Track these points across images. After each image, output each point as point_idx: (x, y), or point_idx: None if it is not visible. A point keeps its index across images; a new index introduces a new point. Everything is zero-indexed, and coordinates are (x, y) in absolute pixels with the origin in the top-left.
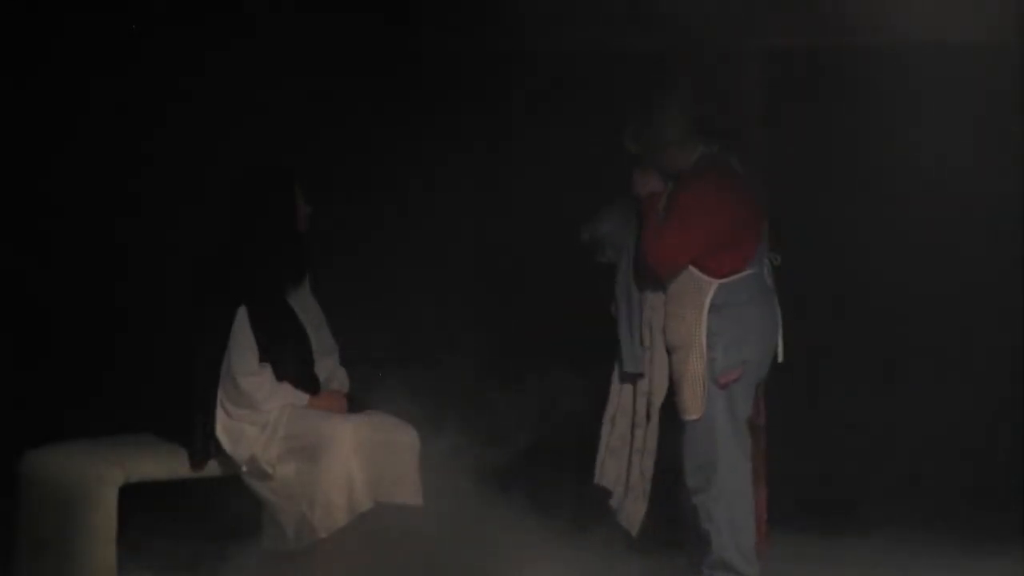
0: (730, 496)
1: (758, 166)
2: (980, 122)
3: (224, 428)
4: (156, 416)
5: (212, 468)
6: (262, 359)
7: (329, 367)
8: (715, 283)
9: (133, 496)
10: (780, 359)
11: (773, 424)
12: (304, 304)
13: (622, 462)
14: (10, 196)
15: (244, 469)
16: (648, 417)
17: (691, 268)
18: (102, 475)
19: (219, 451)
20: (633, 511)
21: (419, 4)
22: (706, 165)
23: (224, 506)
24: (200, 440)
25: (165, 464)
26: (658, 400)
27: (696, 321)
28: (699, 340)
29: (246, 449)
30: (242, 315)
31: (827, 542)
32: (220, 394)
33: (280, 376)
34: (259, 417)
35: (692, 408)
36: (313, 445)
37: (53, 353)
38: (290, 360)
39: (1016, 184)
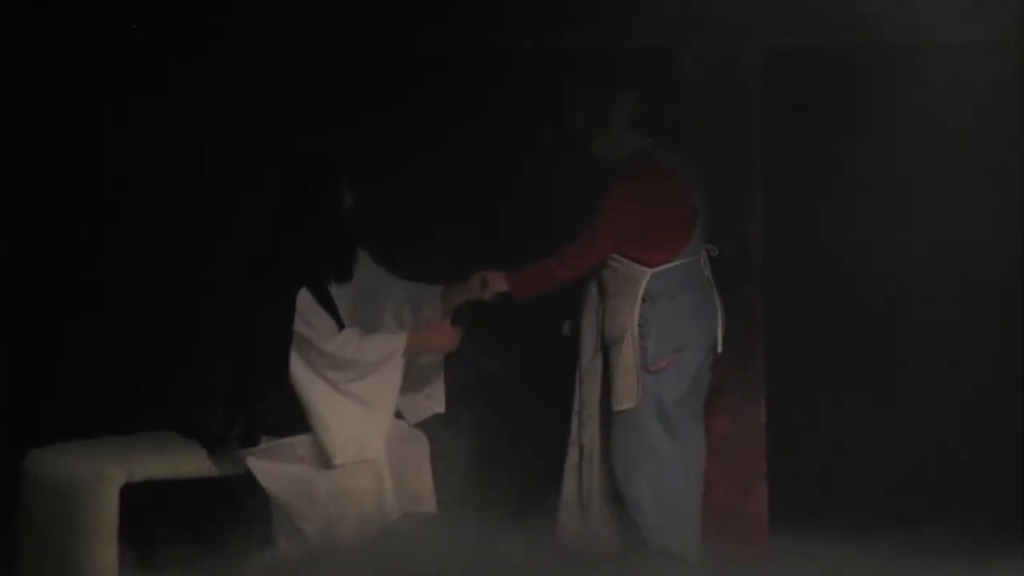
0: (659, 487)
1: (757, 168)
2: (980, 122)
3: (327, 406)
4: (158, 414)
5: (215, 468)
6: None
7: None
8: (648, 272)
9: (135, 495)
10: (719, 349)
11: (773, 424)
12: (367, 279)
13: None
14: (13, 194)
15: (336, 462)
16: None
17: (625, 260)
18: (103, 474)
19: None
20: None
21: (419, 4)
22: (638, 160)
23: (226, 506)
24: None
25: (167, 463)
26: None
27: (630, 312)
28: (632, 329)
29: (346, 432)
30: (304, 294)
31: (827, 542)
32: (311, 374)
33: None
34: (358, 387)
35: (626, 398)
36: None
37: (54, 351)
38: None
39: (1016, 184)
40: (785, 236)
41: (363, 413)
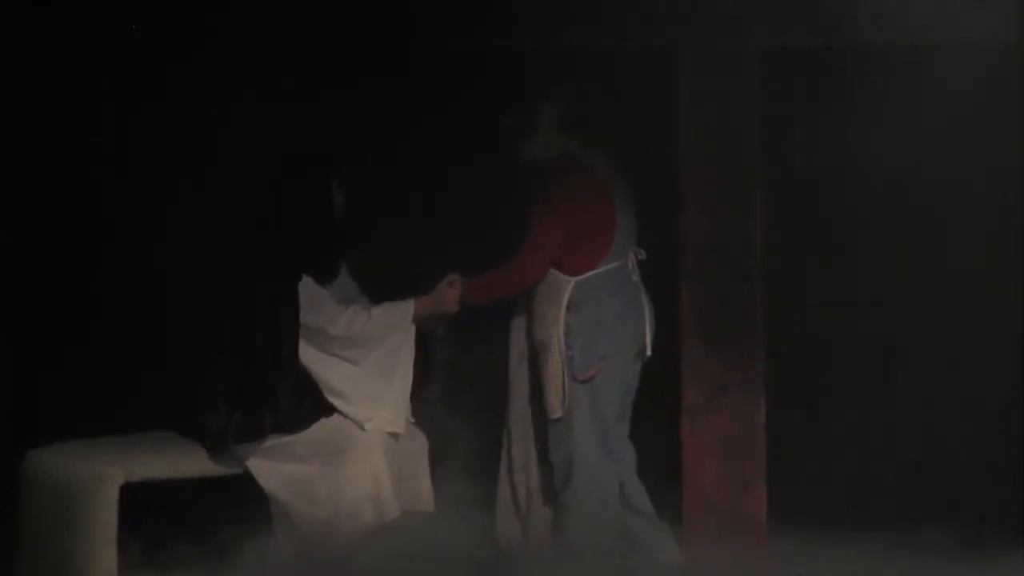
0: (589, 498)
1: (757, 168)
2: (980, 122)
3: (346, 381)
4: (158, 414)
5: (215, 467)
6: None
7: None
8: (572, 281)
9: (135, 495)
10: (648, 353)
11: (773, 424)
12: (344, 288)
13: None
14: (13, 194)
15: (367, 427)
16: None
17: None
18: (103, 474)
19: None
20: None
21: (419, 4)
22: (562, 163)
23: (226, 506)
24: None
25: (167, 463)
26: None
27: (555, 319)
28: (558, 338)
29: (370, 402)
30: (307, 282)
31: (827, 542)
32: (324, 356)
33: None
34: (375, 359)
35: (555, 407)
36: (340, 448)
37: (54, 352)
38: None
39: (1016, 184)
40: (785, 236)
41: (383, 385)
